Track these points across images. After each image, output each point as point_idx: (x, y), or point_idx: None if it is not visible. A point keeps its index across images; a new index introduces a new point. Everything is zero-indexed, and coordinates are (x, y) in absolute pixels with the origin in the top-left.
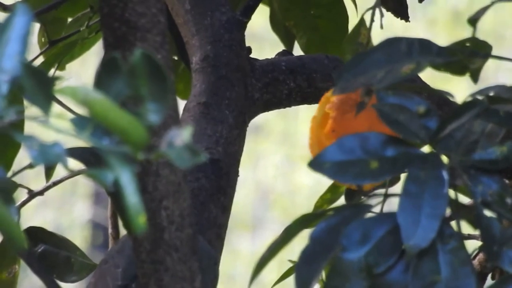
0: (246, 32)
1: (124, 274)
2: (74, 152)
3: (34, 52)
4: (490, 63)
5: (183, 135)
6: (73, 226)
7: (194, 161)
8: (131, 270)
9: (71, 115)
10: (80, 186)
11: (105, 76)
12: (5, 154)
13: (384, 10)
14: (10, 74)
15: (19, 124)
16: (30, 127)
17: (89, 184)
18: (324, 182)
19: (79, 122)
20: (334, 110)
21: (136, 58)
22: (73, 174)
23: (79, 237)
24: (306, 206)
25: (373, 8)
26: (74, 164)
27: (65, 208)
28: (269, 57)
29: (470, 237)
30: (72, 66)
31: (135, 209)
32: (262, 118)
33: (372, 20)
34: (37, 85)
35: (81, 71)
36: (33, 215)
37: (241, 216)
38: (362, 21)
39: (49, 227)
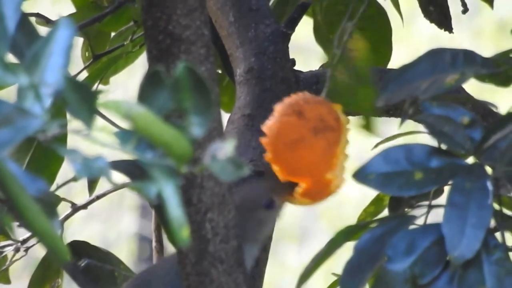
0: (291, 44)
1: None
2: (118, 165)
3: (78, 67)
4: None
5: (226, 148)
6: (119, 239)
7: (237, 174)
8: None
9: (114, 129)
10: (127, 199)
11: (148, 89)
12: (49, 168)
13: (427, 22)
14: (53, 88)
15: (62, 138)
16: (74, 140)
17: (135, 197)
18: (370, 194)
19: (123, 136)
20: (278, 110)
21: (179, 71)
22: (117, 187)
23: (125, 250)
24: (353, 217)
25: (342, 28)
26: (119, 177)
27: (112, 221)
28: (314, 69)
29: None
30: (117, 79)
31: (178, 222)
32: None
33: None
34: (80, 99)
35: (127, 83)
36: (80, 228)
37: (288, 227)
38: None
39: (96, 240)
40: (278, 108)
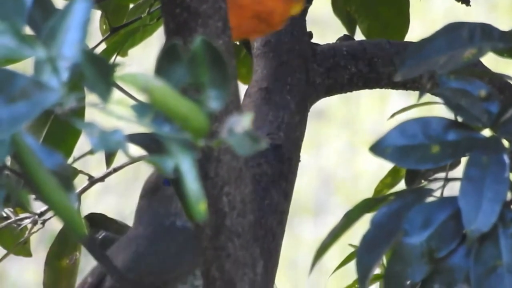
0: (308, 17)
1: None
2: (135, 138)
3: (96, 40)
4: None
5: (243, 122)
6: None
7: (254, 148)
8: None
9: (132, 102)
10: (142, 173)
11: (165, 63)
12: (66, 141)
13: None
14: (71, 61)
15: (80, 111)
16: (91, 114)
17: (151, 171)
18: (387, 167)
19: (140, 109)
20: None
21: (196, 45)
22: (134, 160)
23: None
24: (369, 191)
25: None
26: (135, 150)
27: (127, 195)
28: (331, 42)
29: None
30: (134, 52)
31: (195, 196)
32: (323, 104)
33: None
34: (97, 72)
35: (143, 57)
36: (96, 202)
37: (303, 202)
38: None
39: (111, 214)
40: None
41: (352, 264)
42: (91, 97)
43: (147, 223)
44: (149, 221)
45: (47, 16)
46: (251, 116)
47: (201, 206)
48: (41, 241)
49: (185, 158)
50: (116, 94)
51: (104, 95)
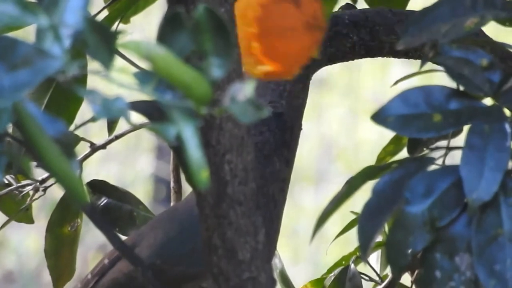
0: None
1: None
2: (137, 106)
3: (98, 6)
4: None
5: (246, 90)
6: (136, 180)
7: (257, 116)
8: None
9: (134, 70)
10: (143, 141)
11: (168, 31)
12: (68, 108)
13: None
14: (73, 29)
15: (82, 79)
16: (93, 82)
17: (152, 138)
18: (387, 136)
19: (143, 76)
20: None
21: (199, 13)
22: (136, 127)
23: (141, 191)
24: (370, 159)
25: None
26: (137, 118)
27: (128, 162)
28: (333, 11)
29: None
30: (136, 20)
31: (197, 164)
32: (325, 72)
33: None
34: (100, 40)
35: (145, 24)
36: (96, 169)
37: (304, 170)
38: None
39: (112, 181)
40: None
41: (353, 232)
42: (93, 65)
43: (190, 199)
44: (192, 198)
45: None
46: (253, 84)
47: (203, 174)
48: (42, 209)
49: (187, 126)
50: (118, 61)
51: (107, 62)
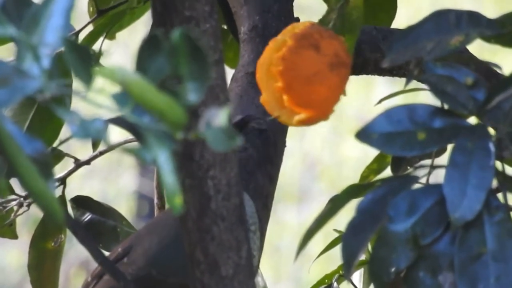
0: (295, 3)
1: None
2: (120, 121)
3: (83, 22)
4: None
5: (221, 116)
6: (118, 196)
7: (229, 145)
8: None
9: (113, 90)
10: (126, 157)
11: (146, 53)
12: (52, 123)
13: None
14: (52, 48)
15: (68, 96)
16: (75, 100)
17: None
18: (371, 154)
19: (121, 98)
20: (292, 40)
21: (176, 37)
22: (118, 144)
23: (124, 208)
24: (353, 177)
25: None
26: (121, 133)
27: (111, 179)
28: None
29: None
30: (120, 35)
31: (171, 189)
32: None
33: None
34: (78, 60)
35: (129, 40)
36: (80, 185)
37: (287, 187)
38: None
39: (95, 197)
40: (291, 37)
41: (336, 250)
42: (75, 84)
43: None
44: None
45: (22, 7)
46: (229, 111)
47: (177, 200)
48: (24, 224)
49: (162, 151)
50: (98, 82)
51: (86, 82)
